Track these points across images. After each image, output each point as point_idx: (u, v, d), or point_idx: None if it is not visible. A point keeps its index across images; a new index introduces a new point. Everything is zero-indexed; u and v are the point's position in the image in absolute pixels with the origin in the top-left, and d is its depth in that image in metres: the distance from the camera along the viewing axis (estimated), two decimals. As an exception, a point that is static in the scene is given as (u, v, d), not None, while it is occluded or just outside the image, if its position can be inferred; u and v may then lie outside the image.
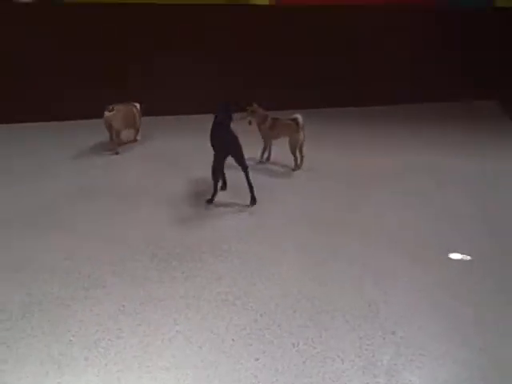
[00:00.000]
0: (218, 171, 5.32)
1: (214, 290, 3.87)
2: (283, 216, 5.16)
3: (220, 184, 5.61)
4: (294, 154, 6.41)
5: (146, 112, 7.63)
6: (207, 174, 5.42)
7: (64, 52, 8.55)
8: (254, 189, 5.37)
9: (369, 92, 9.99)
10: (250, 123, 6.54)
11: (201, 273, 4.10)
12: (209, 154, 5.38)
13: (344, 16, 9.63)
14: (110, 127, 6.96)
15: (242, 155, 5.31)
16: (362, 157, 7.07)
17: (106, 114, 6.85)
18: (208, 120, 5.72)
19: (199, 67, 9.08)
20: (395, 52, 10.03)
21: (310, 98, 9.51)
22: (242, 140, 5.29)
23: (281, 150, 6.63)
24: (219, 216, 5.15)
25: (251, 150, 6.65)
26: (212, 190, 5.40)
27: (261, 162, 6.71)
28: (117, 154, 7.01)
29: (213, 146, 5.44)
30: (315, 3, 9.59)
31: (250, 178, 5.36)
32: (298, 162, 6.47)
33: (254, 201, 5.39)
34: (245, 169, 5.33)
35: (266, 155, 6.77)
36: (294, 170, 6.45)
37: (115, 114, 6.91)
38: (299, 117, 6.26)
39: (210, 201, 5.41)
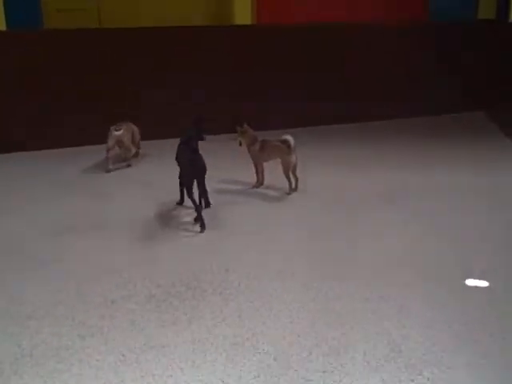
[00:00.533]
0: (189, 189, 5.22)
1: (221, 332, 3.57)
2: (285, 246, 4.89)
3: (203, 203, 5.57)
4: (287, 176, 6.14)
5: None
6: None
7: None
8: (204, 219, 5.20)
9: (359, 108, 9.76)
10: (240, 144, 6.32)
11: (205, 313, 3.80)
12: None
13: (332, 32, 9.46)
14: (120, 145, 7.21)
15: (203, 177, 5.36)
16: (360, 176, 6.84)
17: (116, 132, 7.07)
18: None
19: (186, 90, 8.83)
20: (386, 67, 9.86)
21: (300, 115, 9.28)
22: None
23: (274, 172, 6.36)
24: (217, 246, 4.87)
25: (242, 172, 6.42)
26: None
27: (254, 186, 6.43)
28: (129, 166, 7.38)
29: (178, 164, 5.51)
30: (296, 21, 9.49)
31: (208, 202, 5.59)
32: (293, 185, 6.20)
33: (202, 227, 5.20)
34: (204, 192, 5.49)
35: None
36: (288, 193, 6.17)
37: (124, 131, 7.15)
38: (290, 138, 5.99)
39: (198, 219, 5.23)
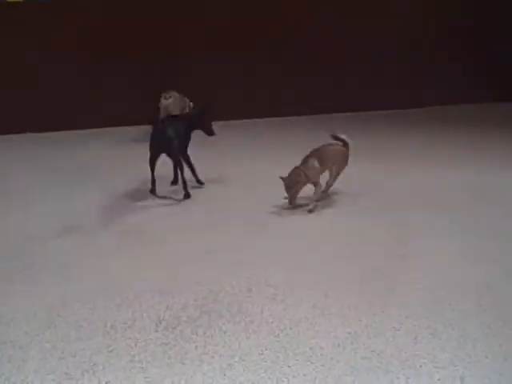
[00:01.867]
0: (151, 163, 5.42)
1: (237, 376, 2.93)
2: (322, 261, 4.22)
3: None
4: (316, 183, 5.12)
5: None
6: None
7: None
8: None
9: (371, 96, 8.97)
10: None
11: (220, 348, 3.15)
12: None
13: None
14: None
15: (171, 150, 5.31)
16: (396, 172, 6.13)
17: (164, 101, 7.07)
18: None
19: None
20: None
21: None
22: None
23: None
24: (240, 258, 4.22)
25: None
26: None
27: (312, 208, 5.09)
28: None
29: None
30: None
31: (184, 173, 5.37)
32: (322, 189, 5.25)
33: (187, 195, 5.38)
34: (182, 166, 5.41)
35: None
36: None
37: (173, 101, 7.12)
38: (345, 137, 5.27)
39: (152, 191, 5.50)
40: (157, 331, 3.30)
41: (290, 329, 3.32)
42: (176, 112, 7.01)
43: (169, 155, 5.38)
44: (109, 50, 8.13)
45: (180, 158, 5.39)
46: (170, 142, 5.26)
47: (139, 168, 5.86)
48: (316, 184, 5.07)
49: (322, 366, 3.00)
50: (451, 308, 3.52)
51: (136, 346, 3.17)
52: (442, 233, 4.63)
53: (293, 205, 5.06)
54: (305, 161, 5.03)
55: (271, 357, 3.07)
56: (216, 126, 5.83)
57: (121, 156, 7.14)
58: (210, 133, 5.70)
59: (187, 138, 5.52)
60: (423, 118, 9.04)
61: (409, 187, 5.75)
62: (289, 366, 3.00)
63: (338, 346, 3.17)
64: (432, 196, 5.49)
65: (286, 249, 4.38)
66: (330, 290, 3.71)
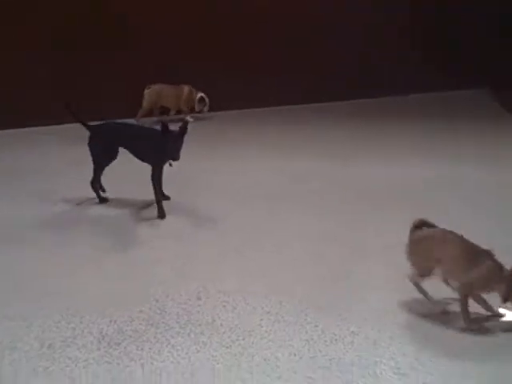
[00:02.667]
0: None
1: (190, 396, 2.72)
2: (275, 266, 4.03)
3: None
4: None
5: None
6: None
7: None
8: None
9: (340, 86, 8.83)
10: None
11: (168, 365, 2.92)
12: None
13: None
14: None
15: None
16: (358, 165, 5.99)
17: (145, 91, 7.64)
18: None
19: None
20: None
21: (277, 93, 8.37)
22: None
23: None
24: (188, 265, 4.00)
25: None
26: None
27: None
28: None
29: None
30: None
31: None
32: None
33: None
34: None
35: None
36: None
37: (148, 91, 7.69)
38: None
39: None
40: (99, 349, 3.05)
41: (243, 339, 3.12)
42: (163, 102, 7.87)
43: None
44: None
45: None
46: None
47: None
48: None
49: (278, 378, 2.82)
50: (411, 310, 3.38)
51: (76, 366, 2.91)
52: (403, 230, 4.45)
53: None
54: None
55: (224, 371, 2.87)
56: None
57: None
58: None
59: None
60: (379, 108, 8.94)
61: (371, 182, 5.61)
62: (242, 381, 2.80)
63: (295, 355, 2.99)
64: (395, 191, 5.34)
65: (237, 255, 4.16)
66: (284, 296, 3.52)
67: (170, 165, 4.68)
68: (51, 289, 3.66)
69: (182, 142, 4.60)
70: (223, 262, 4.02)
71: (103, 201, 5.11)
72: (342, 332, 3.17)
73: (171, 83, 8.00)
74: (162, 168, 4.81)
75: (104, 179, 5.18)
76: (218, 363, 2.92)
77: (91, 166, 5.04)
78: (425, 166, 5.96)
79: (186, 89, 7.95)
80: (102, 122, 5.10)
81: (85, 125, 4.96)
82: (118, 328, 3.23)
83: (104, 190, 5.15)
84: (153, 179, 4.77)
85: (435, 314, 3.33)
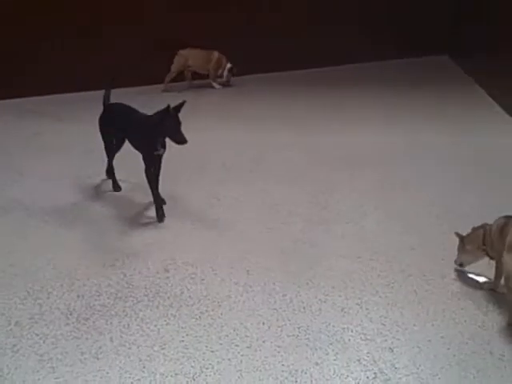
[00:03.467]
0: None
1: (158, 368, 2.72)
2: (242, 236, 4.03)
3: None
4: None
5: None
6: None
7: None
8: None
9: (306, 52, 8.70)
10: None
11: (138, 338, 2.93)
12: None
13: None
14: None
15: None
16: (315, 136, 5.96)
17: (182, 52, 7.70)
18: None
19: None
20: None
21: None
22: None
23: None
24: (155, 239, 3.98)
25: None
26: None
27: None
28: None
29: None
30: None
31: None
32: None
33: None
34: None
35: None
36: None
37: (177, 58, 7.68)
38: None
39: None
40: (67, 324, 3.04)
41: (212, 310, 3.14)
42: (191, 64, 7.86)
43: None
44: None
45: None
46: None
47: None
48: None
49: (248, 347, 2.85)
50: (377, 275, 3.43)
51: (44, 342, 2.90)
52: (364, 198, 4.48)
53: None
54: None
55: (193, 343, 2.89)
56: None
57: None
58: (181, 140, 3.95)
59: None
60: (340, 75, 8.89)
61: (328, 149, 5.57)
62: (212, 352, 2.82)
63: (263, 324, 3.02)
64: (357, 159, 5.33)
65: (204, 226, 4.13)
66: (252, 266, 3.54)
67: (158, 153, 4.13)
68: (16, 265, 3.61)
69: (179, 123, 3.92)
70: (190, 234, 4.00)
71: (116, 189, 4.71)
72: (310, 300, 3.20)
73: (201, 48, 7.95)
74: (154, 159, 4.16)
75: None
76: (187, 335, 2.94)
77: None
78: (387, 133, 5.95)
79: (215, 54, 7.96)
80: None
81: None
82: (86, 303, 3.21)
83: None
84: (146, 173, 4.16)
85: (401, 280, 3.37)
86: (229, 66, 8.04)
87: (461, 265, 3.43)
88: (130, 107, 4.41)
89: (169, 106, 3.86)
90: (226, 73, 8.06)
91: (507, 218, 3.13)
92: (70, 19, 7.53)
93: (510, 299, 2.99)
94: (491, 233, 3.20)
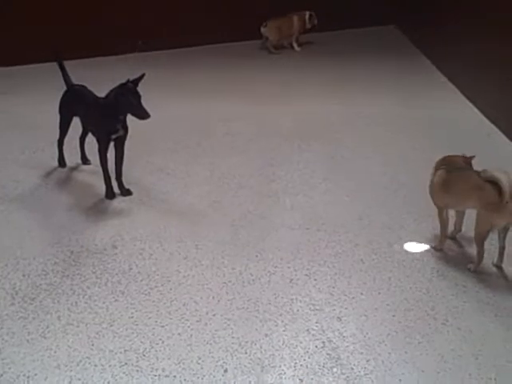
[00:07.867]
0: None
1: (108, 345, 2.71)
2: (190, 212, 4.01)
3: None
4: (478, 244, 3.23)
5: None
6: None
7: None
8: None
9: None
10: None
11: (86, 316, 2.91)
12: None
13: None
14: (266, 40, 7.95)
15: None
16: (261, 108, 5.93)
17: (262, 29, 7.82)
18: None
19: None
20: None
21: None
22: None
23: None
24: (101, 214, 3.92)
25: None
26: None
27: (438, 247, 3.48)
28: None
29: None
30: None
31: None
32: (494, 260, 3.32)
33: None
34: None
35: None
36: (472, 269, 3.27)
37: (268, 29, 7.82)
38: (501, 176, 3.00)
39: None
40: (13, 304, 2.99)
41: (162, 285, 3.13)
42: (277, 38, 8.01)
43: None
44: None
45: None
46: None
47: None
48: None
49: (198, 321, 2.87)
50: (325, 246, 3.47)
51: (-9, 319, 2.84)
52: (313, 169, 4.48)
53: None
54: None
55: (143, 318, 2.88)
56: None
57: None
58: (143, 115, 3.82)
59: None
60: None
61: (276, 121, 5.53)
62: (162, 326, 2.83)
63: (213, 298, 3.03)
64: (302, 129, 5.32)
65: (151, 200, 4.08)
66: (200, 241, 3.53)
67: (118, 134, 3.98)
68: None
69: (139, 97, 3.79)
70: (137, 209, 3.94)
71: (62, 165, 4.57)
72: (259, 272, 3.22)
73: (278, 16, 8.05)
74: (108, 141, 4.00)
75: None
76: (136, 311, 2.93)
77: None
78: (334, 104, 5.94)
79: (294, 18, 8.15)
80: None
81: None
82: (32, 282, 3.16)
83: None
84: (99, 152, 4.01)
85: (348, 250, 3.42)
86: (308, 14, 8.22)
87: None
88: (91, 92, 4.25)
89: (128, 80, 3.77)
90: (307, 23, 8.25)
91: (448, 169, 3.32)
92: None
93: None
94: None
